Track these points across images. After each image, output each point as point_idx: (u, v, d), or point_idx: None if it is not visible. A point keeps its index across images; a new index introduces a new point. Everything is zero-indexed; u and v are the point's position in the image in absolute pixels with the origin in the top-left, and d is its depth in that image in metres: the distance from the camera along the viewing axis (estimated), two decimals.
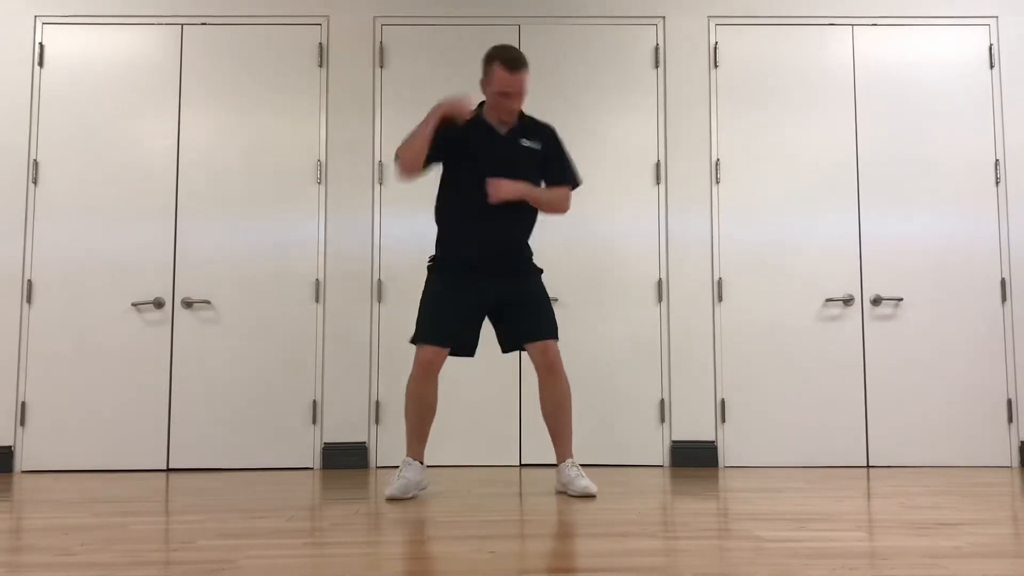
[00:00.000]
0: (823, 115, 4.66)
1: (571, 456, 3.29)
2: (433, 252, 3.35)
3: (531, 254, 3.38)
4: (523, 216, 3.28)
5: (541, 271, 3.37)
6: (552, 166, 3.31)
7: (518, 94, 3.16)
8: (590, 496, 3.15)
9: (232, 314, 4.54)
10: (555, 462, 3.32)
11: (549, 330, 3.25)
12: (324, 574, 1.86)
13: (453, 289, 3.22)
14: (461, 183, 3.24)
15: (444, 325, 3.20)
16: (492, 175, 3.17)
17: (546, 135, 3.31)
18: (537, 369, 3.26)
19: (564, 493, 3.25)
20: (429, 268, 3.33)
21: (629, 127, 4.66)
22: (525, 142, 3.25)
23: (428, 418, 3.23)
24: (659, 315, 4.57)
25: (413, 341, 3.23)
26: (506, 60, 3.13)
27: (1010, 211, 4.60)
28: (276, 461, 4.47)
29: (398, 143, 4.69)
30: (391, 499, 3.11)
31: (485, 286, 3.23)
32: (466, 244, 3.23)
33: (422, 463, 3.24)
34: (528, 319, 3.24)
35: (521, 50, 3.12)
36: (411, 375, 3.22)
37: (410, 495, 3.16)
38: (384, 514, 2.77)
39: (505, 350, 3.34)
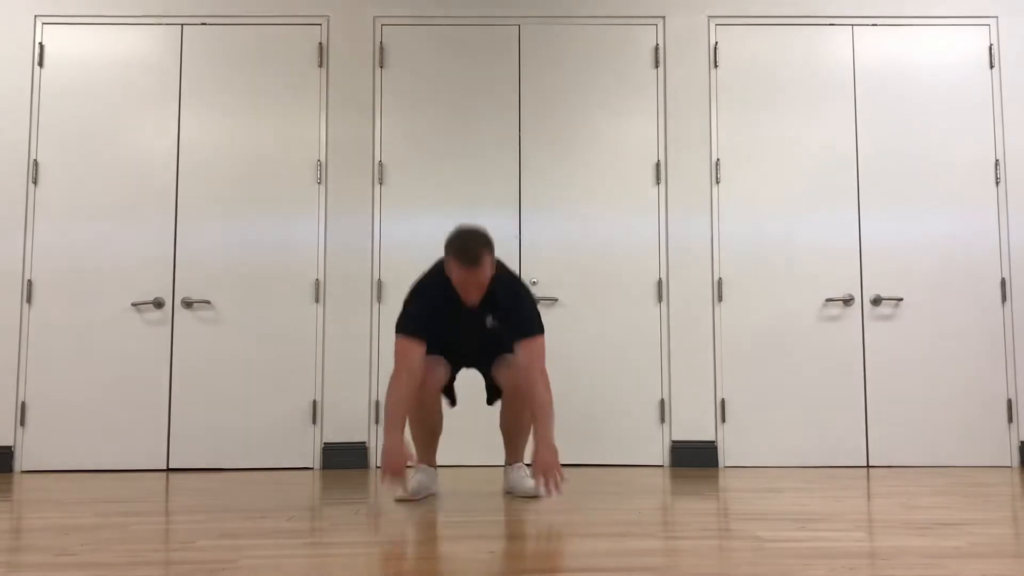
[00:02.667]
0: (823, 115, 4.66)
1: (521, 460, 3.32)
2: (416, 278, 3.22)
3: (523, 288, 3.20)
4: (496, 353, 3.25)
5: (532, 294, 3.22)
6: (518, 327, 3.08)
7: (475, 286, 2.99)
8: (536, 497, 3.13)
9: (232, 314, 4.54)
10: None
11: (523, 331, 3.07)
12: (324, 574, 1.86)
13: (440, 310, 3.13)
14: (439, 332, 3.14)
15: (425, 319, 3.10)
16: (463, 343, 3.20)
17: (508, 300, 3.09)
18: (503, 382, 3.22)
19: (511, 494, 3.26)
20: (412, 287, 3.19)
21: (629, 127, 4.66)
22: (489, 320, 3.12)
23: (423, 419, 3.21)
24: (659, 315, 4.57)
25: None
26: (460, 256, 2.94)
27: (1010, 211, 4.60)
28: (276, 461, 4.47)
29: (398, 143, 4.71)
30: (400, 501, 3.11)
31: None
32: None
33: (434, 467, 3.29)
34: (508, 327, 3.11)
35: (475, 240, 2.95)
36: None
37: (420, 496, 3.17)
38: (384, 514, 2.77)
39: (489, 402, 3.40)
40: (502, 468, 4.22)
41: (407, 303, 3.10)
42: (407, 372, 2.99)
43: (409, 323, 3.04)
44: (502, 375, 3.21)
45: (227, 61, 4.66)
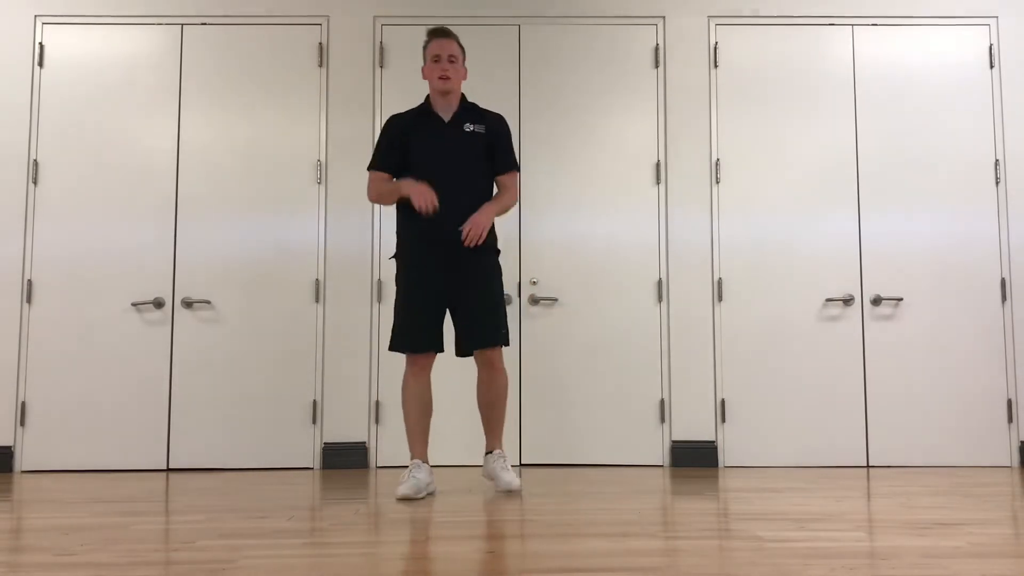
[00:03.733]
0: (823, 115, 4.66)
1: (500, 447, 3.43)
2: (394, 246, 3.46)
3: (494, 242, 3.40)
4: (477, 203, 3.33)
5: (499, 266, 3.41)
6: (497, 153, 3.42)
7: (450, 58, 3.34)
8: (514, 491, 3.31)
9: (232, 314, 4.54)
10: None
11: (492, 339, 3.32)
12: (324, 574, 1.86)
13: (417, 288, 3.31)
14: (416, 173, 3.33)
15: (414, 331, 3.30)
16: (438, 161, 3.33)
17: (490, 120, 3.43)
18: (478, 366, 3.38)
19: (491, 480, 3.42)
20: (395, 261, 3.45)
21: (629, 127, 4.66)
22: (468, 126, 3.37)
23: (425, 416, 3.33)
24: (659, 315, 4.57)
25: (390, 349, 3.34)
26: (433, 31, 3.40)
27: (1010, 211, 4.60)
28: (276, 461, 4.47)
29: None
30: (402, 499, 3.14)
31: (443, 280, 3.31)
32: (423, 234, 3.31)
33: (428, 464, 3.30)
34: (482, 323, 3.31)
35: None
36: (404, 376, 3.35)
37: (421, 495, 3.20)
38: (384, 514, 2.77)
39: (458, 354, 3.40)
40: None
41: (377, 141, 3.43)
42: (421, 381, 3.32)
43: (377, 157, 3.39)
44: (477, 355, 3.36)
45: (227, 61, 4.66)
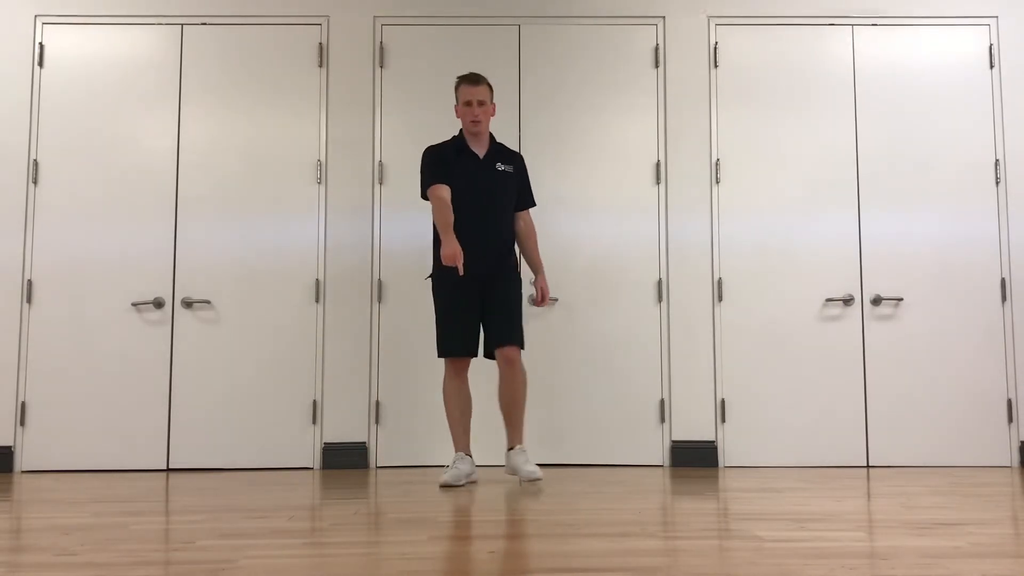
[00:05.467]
0: (823, 115, 4.66)
1: (521, 443, 3.67)
2: (428, 265, 3.78)
3: (516, 262, 3.83)
4: (507, 233, 3.76)
5: (520, 280, 3.81)
6: (522, 190, 3.86)
7: (479, 102, 3.70)
8: (536, 480, 3.54)
9: (232, 314, 4.54)
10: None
11: (511, 338, 3.67)
12: (324, 574, 1.86)
13: (456, 301, 3.66)
14: (455, 204, 3.66)
15: (459, 338, 3.65)
16: (475, 195, 3.68)
17: (516, 160, 3.83)
18: (499, 364, 3.68)
19: (515, 475, 3.62)
20: (432, 280, 3.75)
21: (629, 127, 4.66)
22: (500, 166, 3.76)
23: (467, 412, 3.69)
24: (659, 315, 4.57)
25: (440, 355, 3.68)
26: (465, 76, 3.76)
27: (1010, 211, 4.60)
28: (276, 461, 4.47)
29: (398, 143, 4.72)
30: (444, 486, 3.51)
31: (477, 293, 3.68)
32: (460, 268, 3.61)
33: (470, 456, 3.65)
34: (501, 327, 3.66)
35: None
36: (444, 379, 3.70)
37: (462, 483, 3.56)
38: (384, 514, 2.77)
39: (486, 356, 3.74)
40: (497, 470, 4.22)
41: (423, 166, 3.73)
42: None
43: (431, 175, 3.69)
44: (499, 352, 3.67)
45: (227, 61, 4.66)
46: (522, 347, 3.68)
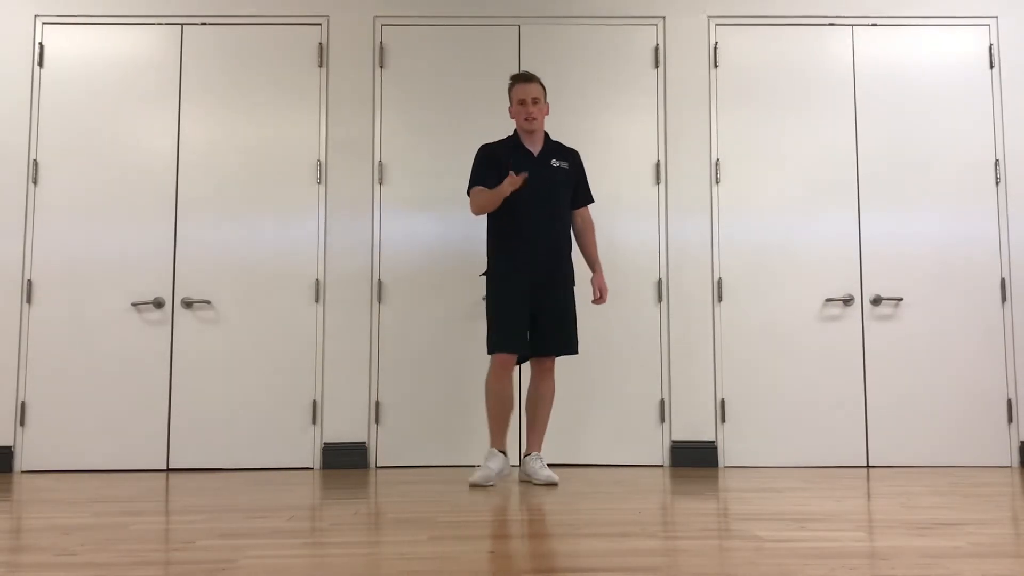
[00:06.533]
0: (823, 115, 4.66)
1: (539, 450, 3.73)
2: (486, 260, 3.80)
3: (571, 267, 3.80)
4: (563, 230, 3.75)
5: (574, 283, 3.81)
6: (579, 187, 3.86)
7: (533, 100, 3.69)
8: (553, 484, 3.54)
9: (232, 314, 4.54)
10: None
11: (563, 348, 3.72)
12: (324, 574, 1.86)
13: (511, 299, 3.65)
14: (509, 201, 3.64)
15: (511, 336, 3.65)
16: (529, 192, 3.64)
17: (571, 157, 3.84)
18: (534, 370, 3.74)
19: (528, 481, 3.67)
20: (487, 277, 3.75)
21: (629, 127, 4.66)
22: (555, 162, 3.76)
23: (507, 410, 3.66)
24: (659, 315, 4.57)
25: (490, 352, 3.66)
26: (517, 75, 3.78)
27: (1010, 211, 4.60)
28: (276, 461, 4.47)
29: (398, 143, 4.72)
30: (474, 485, 3.51)
31: (531, 293, 3.67)
32: (517, 254, 3.67)
33: (505, 453, 3.65)
34: (556, 335, 3.70)
35: (527, 66, 4.00)
36: (489, 374, 3.67)
37: (491, 483, 3.56)
38: (384, 514, 2.77)
39: (531, 357, 3.73)
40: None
41: (474, 164, 3.75)
42: (507, 380, 3.66)
43: (476, 176, 3.72)
44: (544, 359, 3.73)
45: (227, 61, 4.66)
46: (576, 352, 3.77)
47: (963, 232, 4.60)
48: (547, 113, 3.78)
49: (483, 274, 3.79)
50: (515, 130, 3.81)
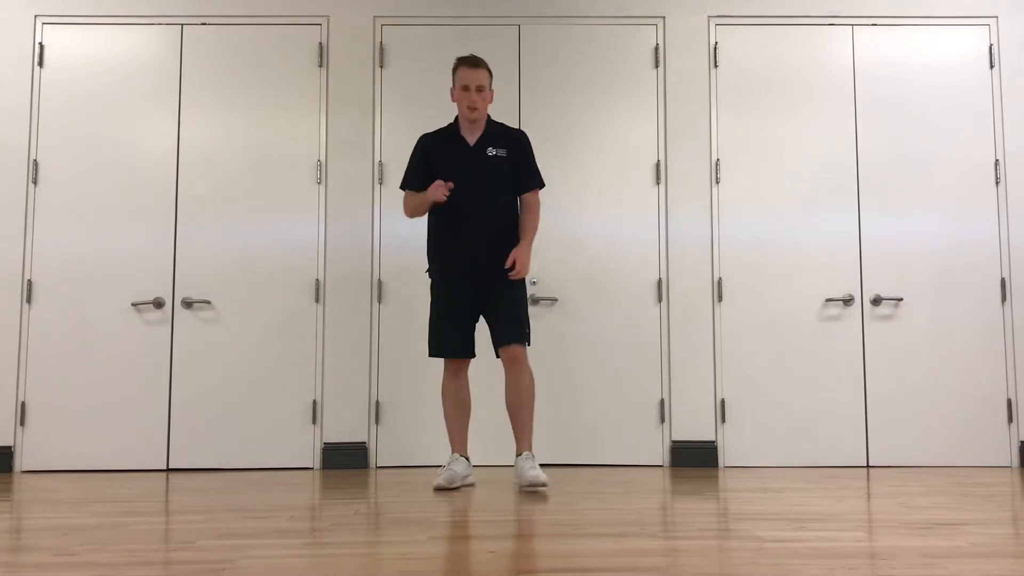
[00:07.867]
0: (823, 115, 4.66)
1: (529, 449, 3.51)
2: (425, 259, 3.67)
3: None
4: (504, 221, 3.57)
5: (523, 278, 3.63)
6: (521, 172, 3.62)
7: (478, 88, 3.51)
8: (540, 485, 3.36)
9: (232, 314, 4.54)
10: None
11: (517, 337, 3.52)
12: (324, 574, 1.86)
13: (446, 302, 3.56)
14: (443, 172, 3.56)
15: (448, 339, 3.55)
16: (463, 185, 3.52)
17: (512, 140, 3.62)
18: (504, 364, 3.54)
19: (519, 484, 3.47)
20: (429, 275, 3.65)
21: (629, 127, 4.66)
22: (491, 151, 3.57)
23: (463, 414, 3.57)
24: (659, 315, 4.57)
25: (430, 355, 3.58)
26: (463, 59, 3.57)
27: (1010, 211, 4.60)
28: (276, 461, 4.47)
29: (398, 143, 4.71)
30: (437, 489, 3.41)
31: (473, 292, 3.55)
32: (452, 254, 3.55)
33: (466, 458, 3.56)
34: (503, 326, 3.53)
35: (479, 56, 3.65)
36: (443, 378, 3.60)
37: (456, 486, 3.45)
38: (384, 514, 2.77)
39: (497, 355, 3.59)
40: (496, 469, 4.22)
41: (409, 159, 3.66)
42: (459, 382, 3.59)
43: (406, 177, 3.66)
44: (503, 352, 3.53)
45: (227, 61, 4.66)
46: (527, 344, 3.53)
47: (963, 232, 4.60)
48: (491, 102, 3.60)
49: (427, 271, 3.68)
50: (456, 117, 3.64)
